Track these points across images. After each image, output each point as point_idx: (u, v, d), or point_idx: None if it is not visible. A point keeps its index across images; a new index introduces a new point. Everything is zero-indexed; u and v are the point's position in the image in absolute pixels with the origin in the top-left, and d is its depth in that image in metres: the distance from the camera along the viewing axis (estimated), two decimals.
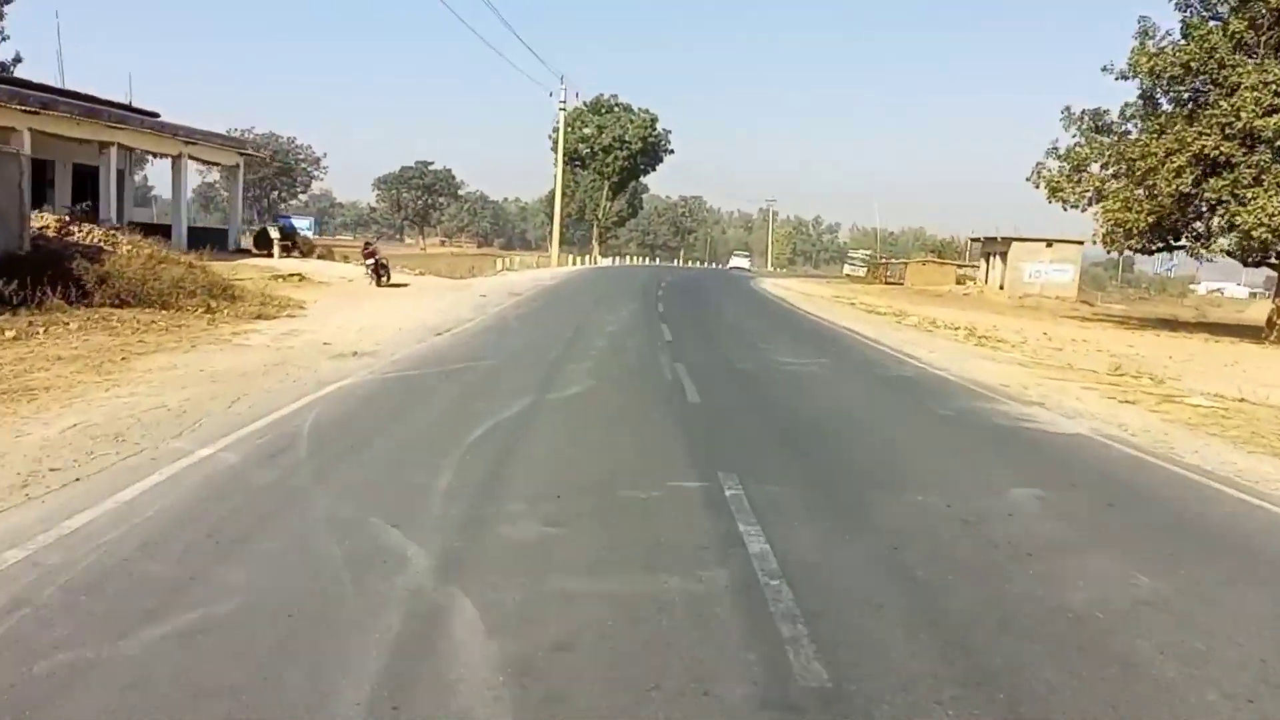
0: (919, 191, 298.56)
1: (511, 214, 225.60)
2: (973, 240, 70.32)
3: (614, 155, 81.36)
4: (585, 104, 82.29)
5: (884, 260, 77.53)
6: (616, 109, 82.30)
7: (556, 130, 79.03)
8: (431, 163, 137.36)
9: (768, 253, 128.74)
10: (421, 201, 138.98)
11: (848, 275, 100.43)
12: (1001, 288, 60.99)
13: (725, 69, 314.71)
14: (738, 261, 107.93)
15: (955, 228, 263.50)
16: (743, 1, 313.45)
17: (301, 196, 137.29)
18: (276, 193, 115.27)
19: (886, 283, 74.77)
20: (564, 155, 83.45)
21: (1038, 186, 37.71)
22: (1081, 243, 60.45)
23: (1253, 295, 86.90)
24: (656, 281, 41.42)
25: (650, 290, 34.79)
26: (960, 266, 79.03)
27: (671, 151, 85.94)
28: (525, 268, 45.29)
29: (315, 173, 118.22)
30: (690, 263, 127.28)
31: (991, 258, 64.62)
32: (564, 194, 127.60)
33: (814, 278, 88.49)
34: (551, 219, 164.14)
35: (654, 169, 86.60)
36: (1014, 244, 60.43)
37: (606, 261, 71.50)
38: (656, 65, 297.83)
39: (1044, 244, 60.22)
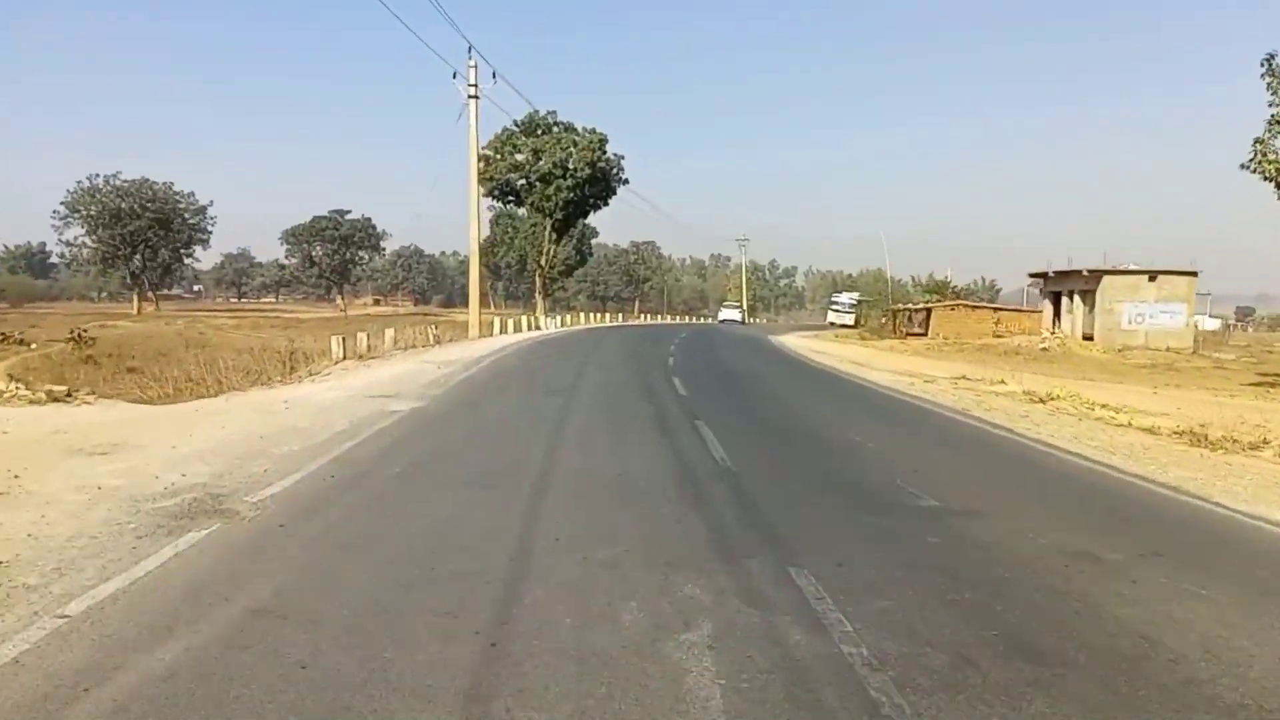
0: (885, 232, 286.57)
1: (450, 268, 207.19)
2: (1033, 278, 53.70)
3: (555, 185, 64.09)
4: (518, 124, 65.08)
5: (904, 308, 60.38)
6: (556, 129, 65.21)
7: (494, 141, 62.11)
8: (348, 211, 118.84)
9: (741, 300, 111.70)
10: (338, 256, 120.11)
11: (831, 324, 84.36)
12: (1089, 337, 44.30)
13: (676, 105, 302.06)
14: (728, 314, 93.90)
15: (920, 268, 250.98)
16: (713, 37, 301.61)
17: (202, 254, 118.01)
18: (166, 250, 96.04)
19: (907, 336, 57.97)
20: (493, 187, 66.08)
21: (1255, 171, 22.47)
22: (1195, 274, 44.22)
23: None
24: (655, 380, 23.35)
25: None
26: (996, 311, 62.64)
27: (626, 181, 69.13)
28: (420, 346, 27.18)
29: (202, 223, 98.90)
30: (657, 317, 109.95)
31: (1064, 299, 48.04)
32: (503, 240, 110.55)
33: (807, 329, 71.81)
34: (492, 272, 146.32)
35: (606, 202, 69.45)
36: (1106, 278, 43.83)
37: (551, 325, 53.49)
38: (598, 85, 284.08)
39: (1145, 277, 43.73)
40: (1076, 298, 46.22)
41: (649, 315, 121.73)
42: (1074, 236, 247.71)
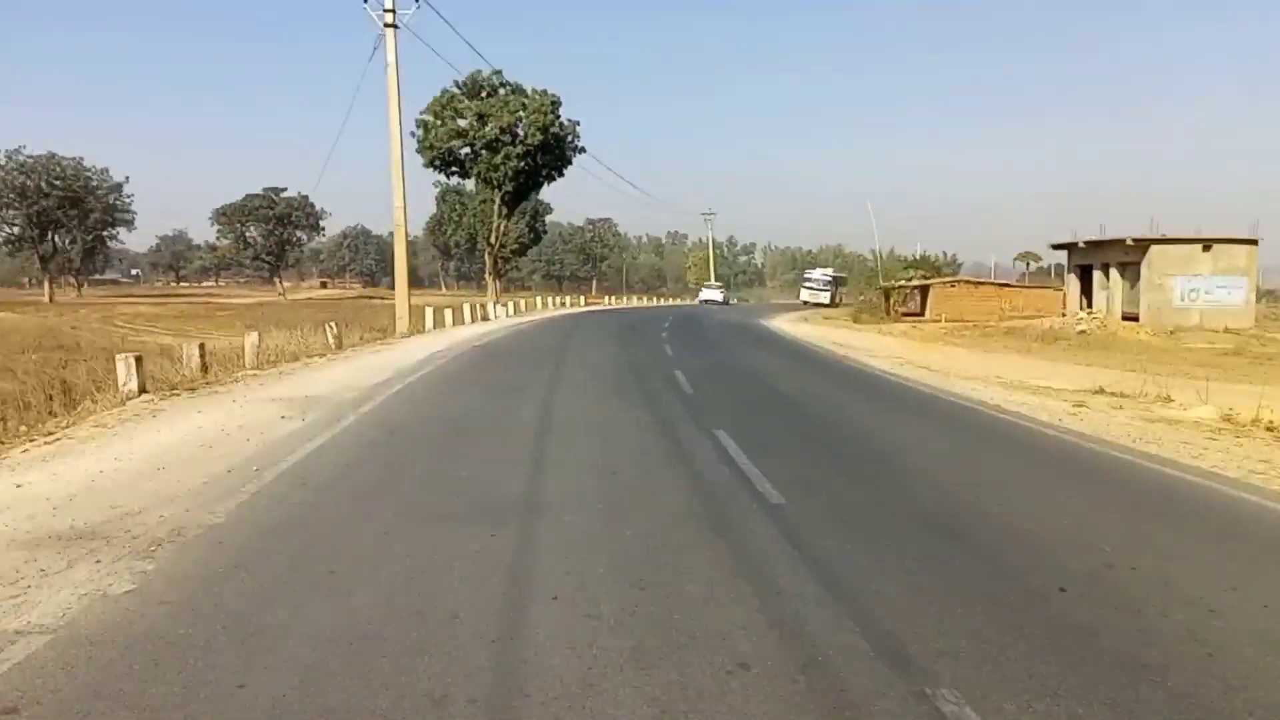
0: (832, 206, 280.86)
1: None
2: (1057, 248, 46.85)
3: (504, 154, 56.08)
4: (460, 85, 56.98)
5: (899, 285, 53.44)
6: (503, 90, 57.13)
7: (433, 104, 53.64)
8: (283, 189, 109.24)
9: (710, 276, 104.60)
10: (274, 237, 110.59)
11: (806, 302, 77.33)
12: (1131, 317, 37.64)
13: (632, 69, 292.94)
14: (709, 294, 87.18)
15: (882, 244, 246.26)
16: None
17: (131, 235, 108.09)
18: (80, 231, 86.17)
19: (903, 317, 51.13)
20: (434, 156, 57.95)
21: None
22: (1256, 242, 37.68)
23: None
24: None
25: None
26: (1001, 288, 56.22)
27: (582, 150, 61.22)
28: (305, 359, 18.97)
29: (119, 201, 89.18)
30: (621, 299, 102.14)
31: (1097, 273, 41.28)
32: (450, 218, 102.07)
33: (783, 310, 64.82)
34: (442, 252, 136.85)
35: (560, 173, 61.40)
36: (1154, 249, 37.10)
37: (502, 314, 45.16)
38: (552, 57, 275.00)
39: (1199, 247, 37.07)
40: (1113, 272, 39.48)
41: (610, 296, 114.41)
42: (1061, 209, 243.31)
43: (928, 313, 52.46)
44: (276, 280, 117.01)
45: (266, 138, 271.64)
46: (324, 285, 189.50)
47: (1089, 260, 41.57)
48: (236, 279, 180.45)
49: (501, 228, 61.43)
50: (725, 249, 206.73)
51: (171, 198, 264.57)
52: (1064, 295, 45.37)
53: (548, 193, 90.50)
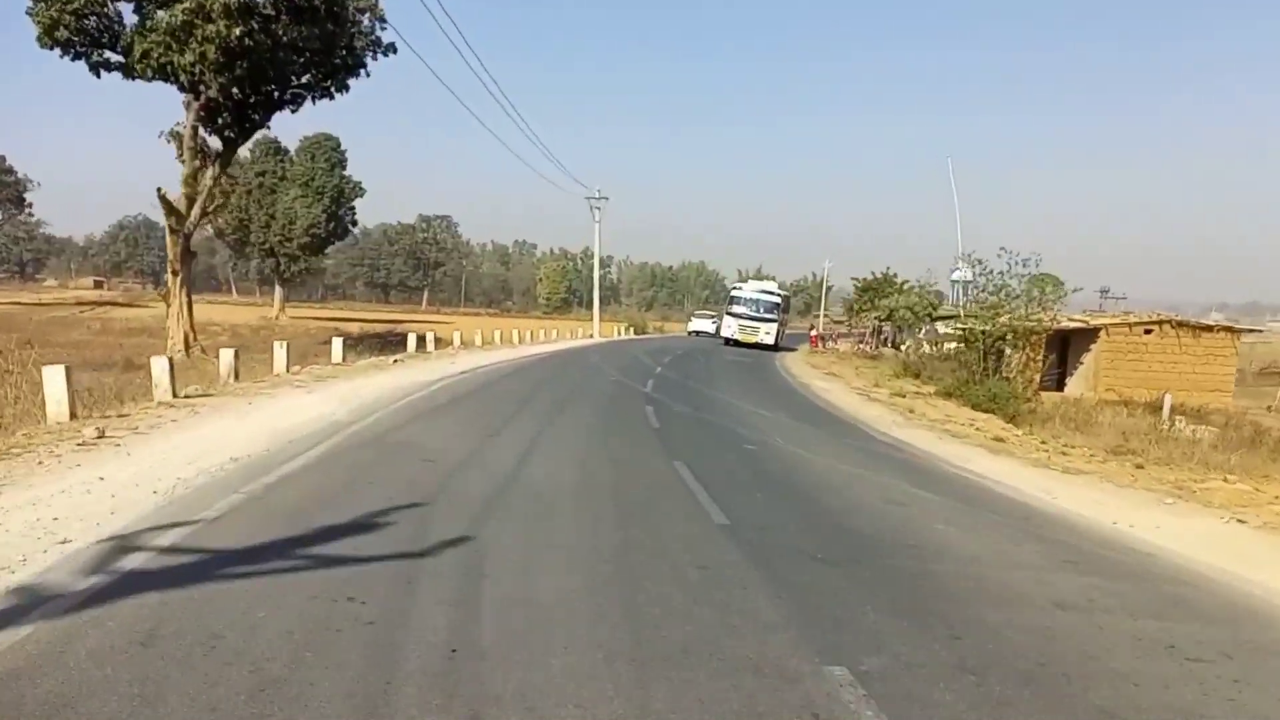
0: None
1: (194, 244, 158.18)
2: None
3: (199, 5, 24.70)
4: None
5: (1031, 324, 24.54)
6: None
7: None
8: None
9: (595, 291, 73.65)
10: None
11: (728, 340, 48.30)
12: None
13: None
14: (699, 325, 65.38)
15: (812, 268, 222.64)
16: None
17: None
18: None
19: (1039, 389, 23.00)
20: (62, 18, 25.85)
21: None
22: None
23: None
24: None
25: None
26: (1216, 331, 28.98)
27: (391, 47, 30.64)
28: None
29: None
30: (577, 329, 72.10)
31: None
32: (211, 195, 68.56)
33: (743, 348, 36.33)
34: (230, 245, 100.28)
35: (341, 82, 30.54)
36: None
37: (283, 369, 14.71)
38: None
39: None
40: None
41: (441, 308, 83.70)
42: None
43: (1083, 382, 24.78)
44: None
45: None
46: (98, 285, 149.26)
47: None
48: None
49: (211, 178, 29.36)
50: (580, 261, 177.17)
51: None
52: None
53: (366, 175, 59.13)
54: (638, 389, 21.01)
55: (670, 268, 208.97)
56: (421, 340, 32.10)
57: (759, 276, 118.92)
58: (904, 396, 22.88)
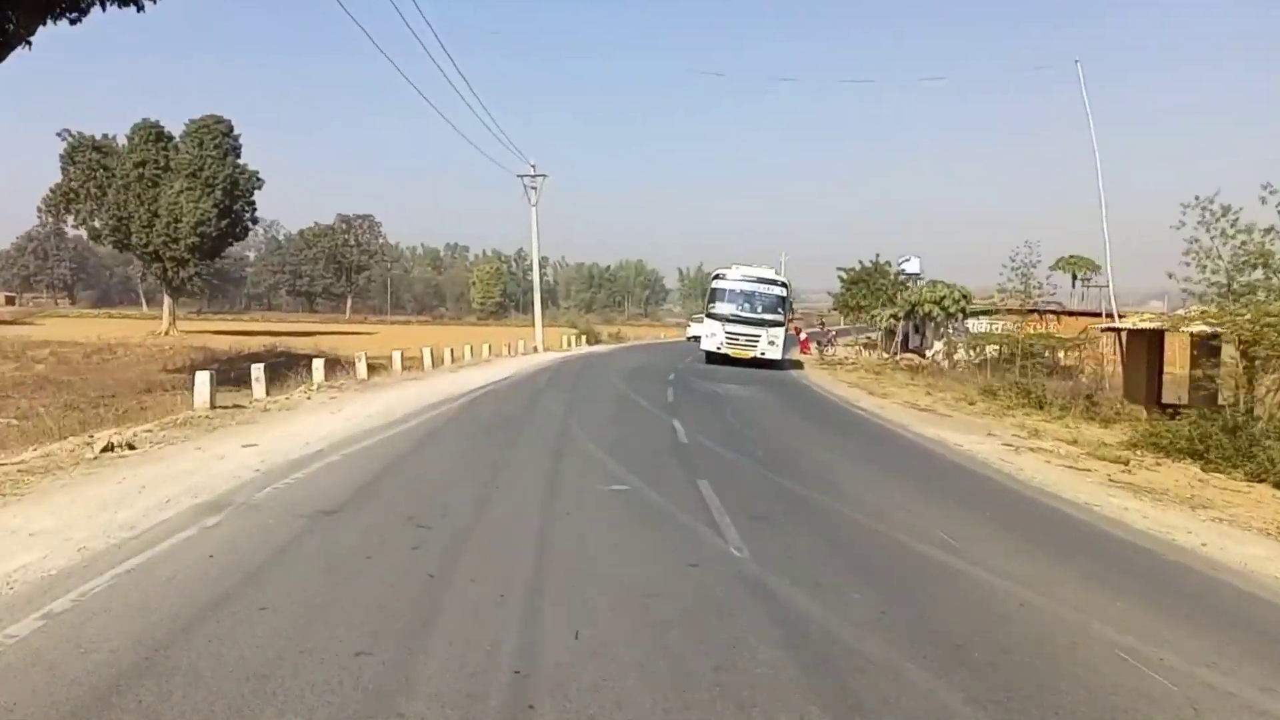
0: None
1: (105, 256, 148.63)
2: None
3: None
4: None
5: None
6: None
7: None
8: None
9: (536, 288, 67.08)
10: None
11: (716, 352, 34.19)
12: None
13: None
14: (698, 330, 53.36)
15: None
16: None
17: None
18: None
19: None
20: None
21: None
22: None
23: None
24: None
25: None
26: None
27: None
28: None
29: None
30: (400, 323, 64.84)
31: None
32: (85, 189, 61.84)
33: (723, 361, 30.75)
34: (119, 247, 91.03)
35: None
36: None
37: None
38: None
39: None
40: None
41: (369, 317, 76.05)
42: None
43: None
44: None
45: None
46: (10, 301, 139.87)
47: None
48: None
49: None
50: (514, 263, 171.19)
51: None
52: None
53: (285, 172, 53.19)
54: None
55: (608, 267, 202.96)
56: (278, 374, 20.01)
57: (703, 275, 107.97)
58: (1126, 465, 12.84)
